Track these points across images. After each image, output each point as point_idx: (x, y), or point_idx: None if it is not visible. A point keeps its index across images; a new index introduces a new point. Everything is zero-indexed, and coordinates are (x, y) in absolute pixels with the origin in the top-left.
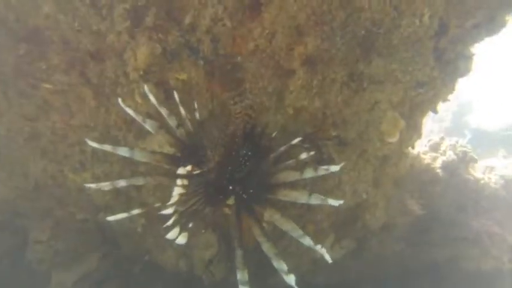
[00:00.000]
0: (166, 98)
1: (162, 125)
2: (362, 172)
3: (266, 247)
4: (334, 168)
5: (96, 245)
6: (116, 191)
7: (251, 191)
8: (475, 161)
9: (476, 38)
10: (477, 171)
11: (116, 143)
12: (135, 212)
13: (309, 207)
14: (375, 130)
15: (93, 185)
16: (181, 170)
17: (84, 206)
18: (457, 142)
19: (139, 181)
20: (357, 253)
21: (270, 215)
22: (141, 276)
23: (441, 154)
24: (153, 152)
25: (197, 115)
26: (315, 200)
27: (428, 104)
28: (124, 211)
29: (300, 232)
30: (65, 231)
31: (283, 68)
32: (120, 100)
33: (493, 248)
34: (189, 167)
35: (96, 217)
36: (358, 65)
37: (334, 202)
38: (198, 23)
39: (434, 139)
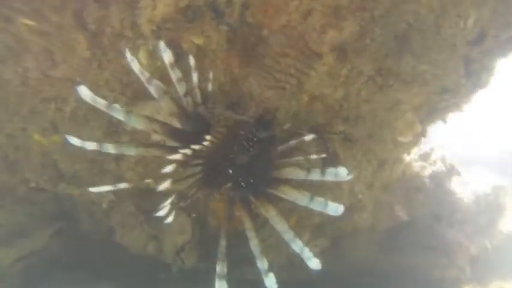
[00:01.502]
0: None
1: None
2: (363, 172)
3: (254, 243)
4: (343, 174)
5: (49, 219)
6: (91, 160)
7: (251, 180)
8: (459, 174)
9: (504, 52)
10: (455, 185)
11: None
12: (122, 186)
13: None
14: (389, 131)
15: (76, 141)
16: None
17: (43, 173)
18: (445, 155)
19: (131, 151)
20: (329, 253)
21: (266, 211)
22: (100, 258)
23: (430, 164)
24: (152, 120)
25: (210, 86)
26: (315, 205)
27: (446, 111)
28: (95, 184)
29: (292, 235)
30: (12, 200)
31: (311, 50)
32: (127, 51)
33: (459, 258)
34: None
35: (55, 187)
36: (388, 60)
37: (333, 211)
38: None
39: (425, 149)
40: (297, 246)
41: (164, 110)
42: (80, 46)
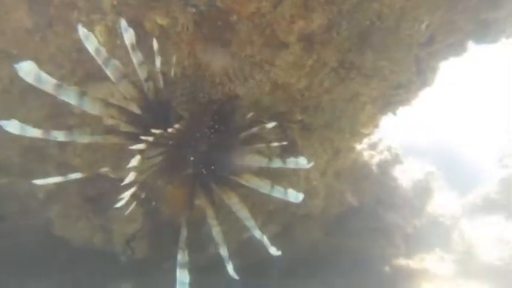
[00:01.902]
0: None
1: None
2: (318, 160)
3: (216, 231)
4: (303, 163)
5: None
6: (28, 146)
7: (213, 167)
8: (401, 163)
9: (447, 56)
10: (397, 172)
11: None
12: (74, 176)
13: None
14: (348, 121)
15: (15, 127)
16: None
17: None
18: (391, 145)
19: (84, 138)
20: (281, 237)
21: (228, 198)
22: (34, 255)
23: (378, 153)
24: (109, 104)
25: (172, 71)
26: (277, 193)
27: (397, 105)
28: (32, 172)
29: (253, 223)
30: None
31: (278, 39)
32: (80, 26)
33: (396, 238)
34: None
35: None
36: (351, 54)
37: (294, 198)
38: None
39: (373, 138)
40: (257, 233)
41: (120, 93)
42: (19, 13)
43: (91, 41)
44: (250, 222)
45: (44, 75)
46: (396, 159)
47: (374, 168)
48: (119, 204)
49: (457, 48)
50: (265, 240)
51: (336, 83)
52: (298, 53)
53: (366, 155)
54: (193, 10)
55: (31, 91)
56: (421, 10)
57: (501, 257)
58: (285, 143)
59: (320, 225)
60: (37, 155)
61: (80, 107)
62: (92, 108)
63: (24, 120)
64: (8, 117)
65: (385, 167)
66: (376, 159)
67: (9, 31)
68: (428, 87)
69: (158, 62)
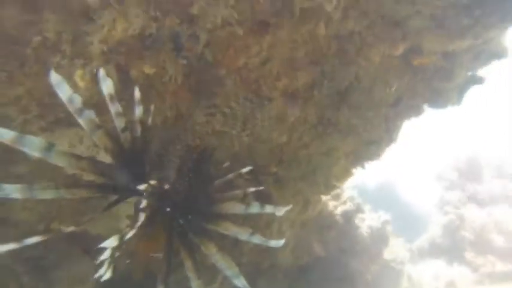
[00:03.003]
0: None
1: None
2: (290, 212)
3: (196, 284)
4: (279, 210)
5: None
6: None
7: (189, 217)
8: (363, 212)
9: (409, 115)
10: (358, 220)
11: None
12: (34, 240)
13: (236, 243)
14: (323, 174)
15: None
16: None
17: None
18: (353, 195)
19: (47, 194)
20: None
21: (207, 248)
22: None
23: (342, 203)
24: (79, 157)
25: (150, 120)
26: (256, 239)
27: (366, 159)
28: None
29: (236, 271)
30: None
31: (261, 95)
32: (52, 72)
33: (359, 285)
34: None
35: None
36: (328, 111)
37: (275, 244)
38: (204, 17)
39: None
40: (241, 282)
41: (89, 139)
42: None
43: (64, 89)
44: (232, 272)
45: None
46: (358, 209)
47: (338, 218)
48: (98, 274)
49: (417, 109)
50: None
51: (313, 138)
52: (281, 108)
53: (330, 205)
54: (185, 62)
55: None
56: (391, 75)
57: None
58: (261, 187)
59: (284, 276)
60: None
61: (47, 160)
62: (61, 161)
63: None
64: None
65: (348, 216)
66: (340, 209)
67: None
68: (392, 143)
69: (139, 111)
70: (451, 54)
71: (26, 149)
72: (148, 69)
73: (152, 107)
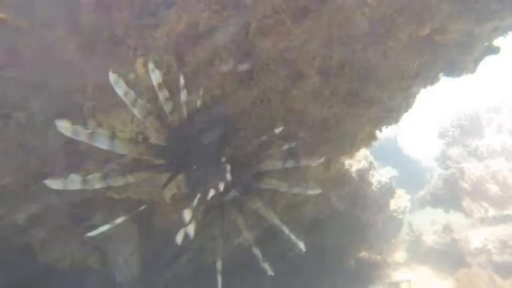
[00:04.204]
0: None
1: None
2: (316, 171)
3: (248, 235)
4: (314, 161)
5: None
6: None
7: (237, 180)
8: (375, 169)
9: (425, 85)
10: (370, 176)
11: (74, 111)
12: (120, 220)
13: (269, 202)
14: (349, 139)
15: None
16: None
17: None
18: (367, 154)
19: (118, 181)
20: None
21: (254, 204)
22: None
23: (356, 162)
24: (136, 143)
25: (199, 103)
26: (296, 190)
27: (386, 124)
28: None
29: (279, 221)
30: None
31: (299, 73)
32: (111, 73)
33: (369, 234)
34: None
35: None
36: (356, 85)
37: (312, 192)
38: (256, 7)
39: None
40: (285, 229)
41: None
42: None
43: (120, 85)
44: (276, 221)
45: (79, 128)
46: (371, 166)
47: (354, 175)
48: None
49: (433, 79)
50: (292, 236)
51: (342, 108)
52: (316, 84)
53: (347, 164)
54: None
55: None
56: (414, 51)
57: (441, 243)
58: (293, 144)
59: (302, 229)
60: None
61: (112, 150)
62: (122, 149)
63: None
64: None
65: (362, 174)
66: (355, 167)
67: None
68: (409, 109)
69: (184, 95)
70: (474, 32)
71: (96, 143)
72: (201, 53)
73: (201, 91)
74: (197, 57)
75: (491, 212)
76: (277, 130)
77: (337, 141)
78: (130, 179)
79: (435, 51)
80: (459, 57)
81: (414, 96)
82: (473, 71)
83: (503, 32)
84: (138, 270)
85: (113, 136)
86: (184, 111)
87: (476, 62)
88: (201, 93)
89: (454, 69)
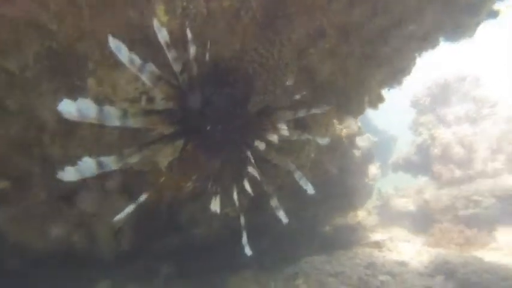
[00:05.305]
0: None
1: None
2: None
3: (274, 202)
4: (323, 109)
5: None
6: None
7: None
8: (363, 134)
9: (426, 49)
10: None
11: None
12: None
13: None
14: (357, 101)
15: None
16: None
17: None
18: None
19: (135, 158)
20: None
21: (268, 154)
22: None
23: (346, 127)
24: (148, 113)
25: (207, 56)
26: (305, 136)
27: (391, 85)
28: None
29: (294, 167)
30: None
31: (320, 31)
32: (110, 36)
33: (355, 199)
34: None
35: None
36: (369, 46)
37: (321, 141)
38: None
39: None
40: (298, 174)
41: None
42: None
43: (123, 52)
44: (290, 167)
45: (85, 109)
46: (359, 132)
47: (344, 140)
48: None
49: (434, 42)
50: (303, 180)
51: (357, 67)
52: (334, 42)
53: (338, 128)
54: None
55: None
56: (426, 12)
57: (412, 205)
58: (304, 92)
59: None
60: None
61: (124, 125)
62: (135, 123)
63: None
64: None
65: (352, 139)
66: (344, 132)
67: None
68: (409, 73)
69: (193, 50)
70: None
71: (107, 122)
72: (226, 2)
73: (208, 44)
74: (222, 5)
75: (457, 173)
76: (289, 82)
77: (346, 103)
78: (147, 152)
79: (444, 9)
80: (466, 19)
81: (414, 61)
82: (472, 35)
83: None
84: (130, 241)
85: (123, 112)
86: (195, 69)
87: (476, 25)
88: (208, 45)
89: (456, 32)
